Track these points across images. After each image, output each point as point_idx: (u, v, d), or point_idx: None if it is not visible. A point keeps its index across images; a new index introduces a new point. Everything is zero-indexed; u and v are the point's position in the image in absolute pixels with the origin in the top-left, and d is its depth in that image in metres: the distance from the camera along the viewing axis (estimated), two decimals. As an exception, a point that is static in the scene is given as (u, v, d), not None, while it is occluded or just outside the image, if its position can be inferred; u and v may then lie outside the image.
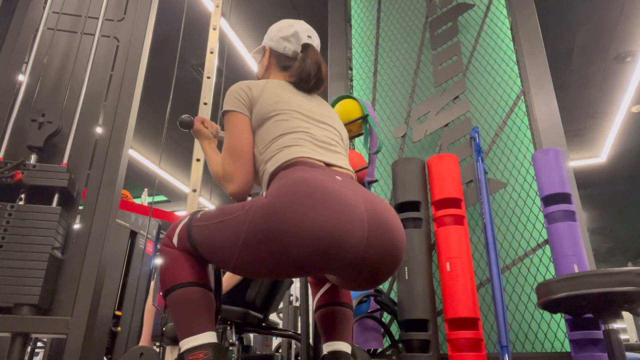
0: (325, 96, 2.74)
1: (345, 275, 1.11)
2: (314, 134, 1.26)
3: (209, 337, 1.09)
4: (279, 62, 1.44)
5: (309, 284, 1.46)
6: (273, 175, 1.18)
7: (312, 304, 1.42)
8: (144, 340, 2.10)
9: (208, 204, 8.21)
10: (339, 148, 1.31)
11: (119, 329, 2.82)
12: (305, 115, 1.29)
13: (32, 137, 1.47)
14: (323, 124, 1.32)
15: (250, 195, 2.10)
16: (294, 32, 1.43)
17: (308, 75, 1.37)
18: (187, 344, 1.08)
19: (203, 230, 1.13)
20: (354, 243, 1.00)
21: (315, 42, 1.46)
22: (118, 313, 2.86)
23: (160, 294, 1.17)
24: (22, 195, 1.40)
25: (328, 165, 1.21)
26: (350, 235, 0.99)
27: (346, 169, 1.26)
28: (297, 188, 1.02)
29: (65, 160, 1.48)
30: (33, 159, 1.46)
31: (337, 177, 1.13)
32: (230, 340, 1.92)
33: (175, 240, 1.18)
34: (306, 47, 1.41)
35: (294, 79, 1.38)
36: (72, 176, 1.46)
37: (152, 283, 2.20)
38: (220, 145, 1.35)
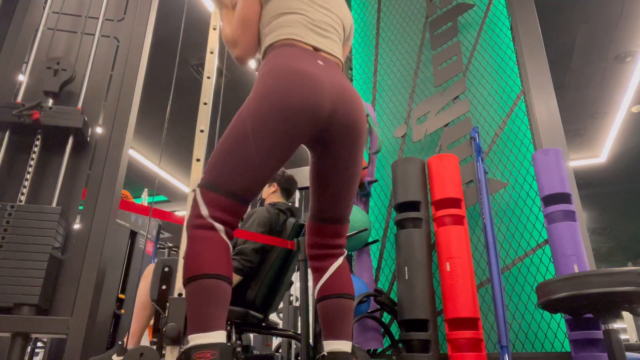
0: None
1: (323, 150, 1.33)
2: (311, 16, 1.41)
3: (220, 336, 1.07)
4: None
5: (310, 271, 1.45)
6: (267, 48, 1.39)
7: (314, 302, 1.42)
8: (134, 337, 2.01)
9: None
10: (332, 34, 1.45)
11: (122, 311, 2.81)
12: None
13: (48, 82, 1.53)
14: (324, 8, 1.46)
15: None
16: None
17: None
18: (197, 339, 1.06)
19: (215, 160, 1.22)
20: (323, 109, 1.25)
21: None
22: (122, 296, 2.86)
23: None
24: (39, 137, 1.44)
25: (315, 49, 1.38)
26: (319, 103, 1.24)
27: (333, 55, 1.42)
28: (281, 73, 1.26)
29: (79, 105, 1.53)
30: (50, 103, 1.51)
31: (319, 61, 1.33)
32: (237, 341, 1.92)
33: (204, 210, 1.16)
34: None
35: None
36: (86, 118, 1.49)
37: (147, 271, 2.13)
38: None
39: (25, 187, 1.39)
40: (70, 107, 1.48)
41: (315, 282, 1.40)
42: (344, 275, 1.39)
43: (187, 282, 1.12)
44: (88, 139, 1.52)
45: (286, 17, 1.40)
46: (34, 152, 1.43)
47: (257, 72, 1.39)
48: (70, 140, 1.47)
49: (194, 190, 1.47)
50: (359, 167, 1.41)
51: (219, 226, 1.17)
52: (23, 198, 1.38)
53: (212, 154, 1.26)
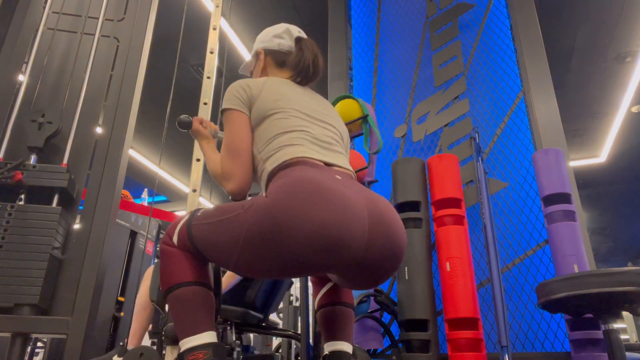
0: (325, 95, 2.75)
1: (346, 274, 1.10)
2: (313, 132, 1.25)
3: (208, 337, 1.09)
4: (275, 59, 1.44)
5: (310, 283, 1.46)
6: (272, 174, 1.17)
7: (313, 303, 1.42)
8: (134, 337, 2.02)
9: (208, 204, 8.21)
10: (338, 147, 1.30)
11: (122, 314, 2.81)
12: (305, 113, 1.28)
13: (32, 137, 1.47)
14: (323, 122, 1.31)
15: (249, 195, 2.10)
16: (285, 29, 1.44)
17: (307, 65, 1.38)
18: (186, 343, 1.08)
19: (203, 228, 1.12)
20: (355, 241, 1.00)
21: (305, 37, 1.47)
22: (121, 299, 2.87)
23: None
24: (22, 196, 1.40)
25: (327, 164, 1.20)
26: (351, 233, 0.99)
27: (346, 168, 1.25)
28: (298, 186, 1.01)
29: (65, 161, 1.48)
30: (33, 159, 1.46)
31: (337, 176, 1.13)
32: (234, 341, 1.92)
33: (175, 239, 1.17)
34: (299, 39, 1.43)
35: (292, 72, 1.39)
36: (72, 176, 1.46)
37: (148, 273, 2.14)
38: (219, 146, 1.34)
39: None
40: (54, 166, 1.44)
41: (315, 294, 1.41)
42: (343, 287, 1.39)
43: (166, 294, 1.14)
44: (75, 196, 1.49)
45: (287, 136, 1.21)
46: (19, 203, 1.38)
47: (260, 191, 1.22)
48: (56, 198, 1.43)
49: (194, 191, 1.47)
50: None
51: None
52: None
53: (205, 212, 1.16)
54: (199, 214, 1.17)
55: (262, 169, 1.22)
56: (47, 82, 1.63)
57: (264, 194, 1.13)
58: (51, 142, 1.52)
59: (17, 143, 1.52)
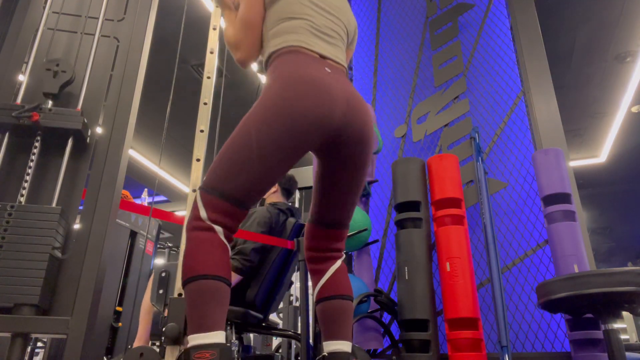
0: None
1: (331, 156, 1.31)
2: (316, 22, 1.38)
3: (219, 336, 1.07)
4: None
5: (309, 273, 1.45)
6: (271, 55, 1.37)
7: (314, 302, 1.42)
8: (140, 340, 2.07)
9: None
10: (337, 40, 1.42)
11: (119, 324, 2.82)
12: (314, 2, 1.40)
13: (47, 84, 1.52)
14: (329, 13, 1.42)
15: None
16: None
17: None
18: (197, 339, 1.06)
19: (218, 165, 1.21)
20: (335, 118, 1.23)
21: None
22: (119, 309, 2.86)
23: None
24: (39, 138, 1.44)
25: (322, 56, 1.35)
26: (332, 111, 1.22)
27: (338, 62, 1.39)
28: (291, 81, 1.23)
29: (79, 107, 1.53)
30: (49, 105, 1.50)
31: (326, 68, 1.30)
32: (234, 341, 1.92)
33: (202, 213, 1.16)
34: None
35: None
36: (86, 120, 1.48)
37: (151, 279, 2.17)
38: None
39: (25, 188, 1.39)
40: (69, 109, 1.48)
41: (314, 284, 1.40)
42: (343, 277, 1.39)
43: (185, 283, 1.13)
44: (88, 140, 1.52)
45: (291, 23, 1.36)
46: (34, 154, 1.43)
47: (260, 75, 1.38)
48: (70, 142, 1.47)
49: (194, 191, 1.47)
50: (364, 175, 1.39)
51: (218, 228, 1.17)
52: (23, 199, 1.38)
53: (216, 158, 1.24)
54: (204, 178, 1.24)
55: (266, 47, 1.40)
56: (47, 82, 1.62)
57: (263, 61, 1.42)
58: (66, 91, 1.56)
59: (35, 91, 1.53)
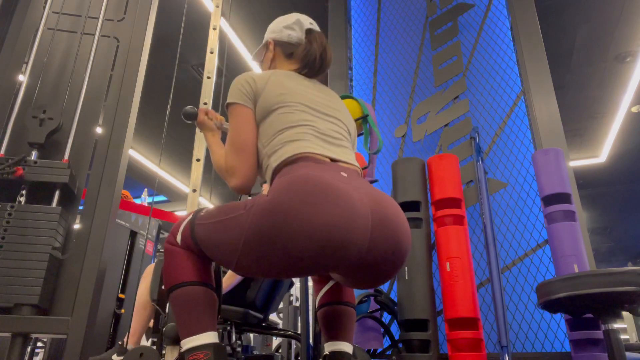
0: (325, 96, 2.74)
1: (347, 274, 1.08)
2: (318, 127, 1.22)
3: (210, 337, 1.09)
4: (284, 50, 1.42)
5: (310, 283, 1.46)
6: (276, 170, 1.16)
7: (314, 301, 1.42)
8: (134, 336, 2.02)
9: (208, 203, 8.20)
10: (344, 142, 1.27)
11: (122, 310, 2.82)
12: (311, 107, 1.26)
13: (33, 133, 1.48)
14: (329, 116, 1.28)
15: (250, 195, 2.10)
16: (296, 20, 1.42)
17: (314, 58, 1.36)
18: (188, 343, 1.08)
19: (206, 228, 1.12)
20: (357, 243, 0.98)
21: (317, 29, 1.46)
22: (122, 296, 2.87)
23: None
24: (23, 192, 1.40)
25: (333, 160, 1.18)
26: (354, 233, 0.97)
27: (351, 164, 1.22)
28: (300, 186, 0.99)
29: (66, 157, 1.48)
30: (34, 155, 1.46)
31: (342, 173, 1.11)
32: (234, 341, 1.92)
33: (179, 239, 1.18)
34: (310, 31, 1.41)
35: (300, 64, 1.38)
36: (73, 172, 1.46)
37: (147, 272, 2.14)
38: (224, 138, 1.33)
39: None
40: (55, 162, 1.45)
41: (316, 292, 1.40)
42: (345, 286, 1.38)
43: (168, 293, 1.15)
44: (75, 192, 1.49)
45: (292, 131, 1.19)
46: (20, 203, 1.39)
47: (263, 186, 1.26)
48: (57, 194, 1.44)
49: (194, 191, 1.47)
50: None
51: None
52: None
53: (208, 212, 1.16)
54: (202, 213, 1.17)
55: (266, 165, 1.21)
56: (47, 82, 1.63)
57: (265, 192, 1.12)
58: (52, 139, 1.52)
59: (18, 140, 1.52)
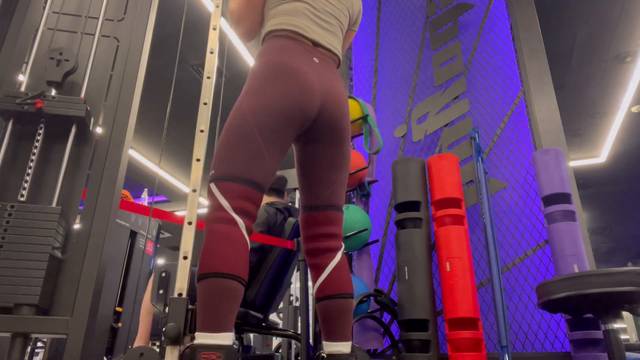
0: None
1: (310, 140, 1.38)
2: (315, 6, 1.43)
3: (227, 338, 1.07)
4: None
5: (309, 269, 1.44)
6: (267, 34, 1.43)
7: (312, 293, 1.42)
8: (141, 340, 2.07)
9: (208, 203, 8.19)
10: (334, 27, 1.47)
11: (119, 325, 2.82)
12: None
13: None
14: None
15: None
16: None
17: None
18: (205, 338, 1.05)
19: (225, 153, 1.24)
20: (311, 110, 1.32)
21: None
22: (119, 309, 2.87)
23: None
24: (41, 131, 1.44)
25: (315, 44, 1.41)
26: (309, 104, 1.31)
27: (329, 50, 1.44)
28: (275, 72, 1.31)
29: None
30: None
31: (315, 59, 1.38)
32: (234, 341, 1.92)
33: (224, 202, 1.17)
34: None
35: None
36: (89, 108, 1.49)
37: (151, 279, 2.17)
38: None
39: (27, 182, 1.39)
40: (73, 97, 1.49)
41: (314, 280, 1.39)
42: (343, 273, 1.38)
43: (201, 278, 1.11)
44: (90, 128, 1.52)
45: (291, 5, 1.41)
46: (37, 141, 1.43)
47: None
48: (73, 130, 1.47)
49: (194, 191, 1.47)
50: (344, 158, 1.43)
51: (240, 221, 1.16)
52: (25, 193, 1.38)
53: (218, 148, 1.28)
54: (213, 172, 1.27)
55: (265, 24, 1.46)
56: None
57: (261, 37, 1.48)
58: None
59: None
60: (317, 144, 1.40)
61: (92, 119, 1.53)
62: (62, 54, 1.55)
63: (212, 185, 1.22)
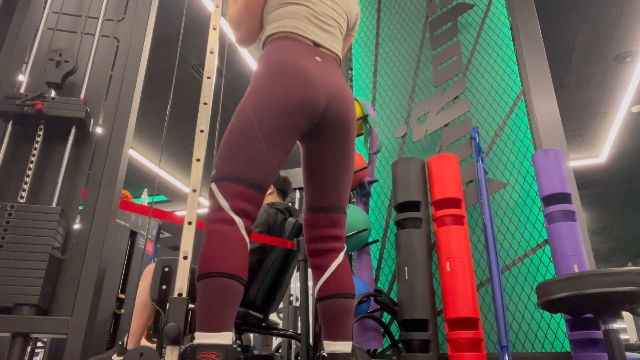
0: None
1: (316, 140, 1.38)
2: (315, 9, 1.44)
3: (226, 338, 1.07)
4: None
5: (311, 269, 1.44)
6: (267, 37, 1.44)
7: (313, 293, 1.42)
8: (134, 336, 2.01)
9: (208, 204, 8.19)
10: (334, 29, 1.48)
11: (122, 311, 2.82)
12: None
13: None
14: (330, 0, 1.48)
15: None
16: None
17: None
18: (205, 338, 1.06)
19: (227, 154, 1.24)
20: (317, 107, 1.31)
21: None
22: (122, 296, 2.87)
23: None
24: (40, 132, 1.44)
25: (315, 44, 1.41)
26: (315, 102, 1.30)
27: (330, 50, 1.44)
28: (279, 71, 1.31)
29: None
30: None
31: (317, 57, 1.38)
32: (234, 341, 1.91)
33: (223, 203, 1.18)
34: None
35: None
36: (88, 109, 1.49)
37: (146, 273, 2.13)
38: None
39: (26, 183, 1.39)
40: (72, 98, 1.49)
41: (315, 280, 1.39)
42: (345, 273, 1.38)
43: (201, 277, 1.11)
44: (90, 129, 1.52)
45: (290, 8, 1.42)
46: (37, 142, 1.43)
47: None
48: (73, 131, 1.47)
49: (194, 191, 1.47)
50: (350, 159, 1.43)
51: (239, 221, 1.17)
52: (24, 194, 1.38)
53: (221, 149, 1.28)
54: (214, 170, 1.27)
55: (265, 28, 1.47)
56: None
57: (261, 41, 1.48)
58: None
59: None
60: (324, 143, 1.38)
61: (92, 120, 1.53)
62: (62, 55, 1.55)
63: (213, 186, 1.23)
